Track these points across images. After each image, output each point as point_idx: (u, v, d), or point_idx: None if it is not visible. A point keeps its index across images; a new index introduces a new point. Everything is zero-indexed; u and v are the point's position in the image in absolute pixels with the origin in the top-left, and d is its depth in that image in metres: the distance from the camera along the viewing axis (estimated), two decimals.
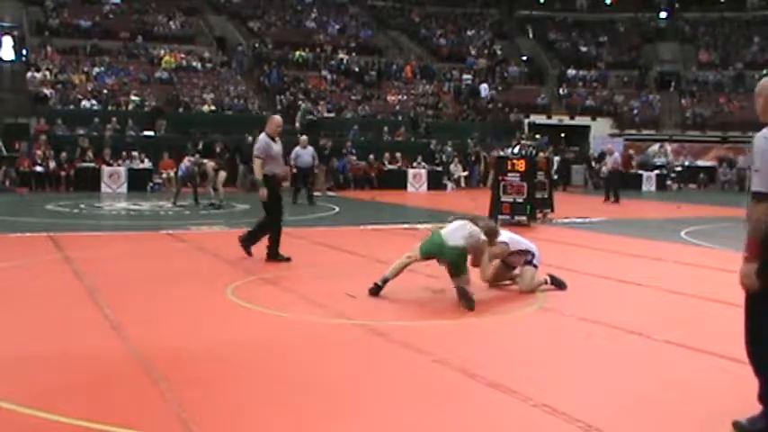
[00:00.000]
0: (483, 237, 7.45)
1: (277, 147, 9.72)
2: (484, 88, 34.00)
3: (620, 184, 22.49)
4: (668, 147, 32.97)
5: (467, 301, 6.97)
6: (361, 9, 39.48)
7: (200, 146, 22.73)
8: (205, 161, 18.13)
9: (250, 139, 24.65)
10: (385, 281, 7.42)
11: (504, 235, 7.95)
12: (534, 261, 7.86)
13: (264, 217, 9.81)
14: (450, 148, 25.47)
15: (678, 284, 8.36)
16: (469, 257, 7.40)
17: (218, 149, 22.88)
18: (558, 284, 7.92)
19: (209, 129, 25.51)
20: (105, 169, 22.79)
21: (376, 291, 7.39)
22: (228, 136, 25.26)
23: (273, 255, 9.57)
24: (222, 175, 17.75)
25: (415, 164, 27.20)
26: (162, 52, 30.57)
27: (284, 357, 5.44)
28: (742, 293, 4.01)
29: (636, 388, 4.78)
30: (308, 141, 24.30)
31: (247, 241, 9.78)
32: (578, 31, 41.68)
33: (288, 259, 9.54)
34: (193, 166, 17.78)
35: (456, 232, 7.32)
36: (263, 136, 9.79)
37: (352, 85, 32.19)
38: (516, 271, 8.00)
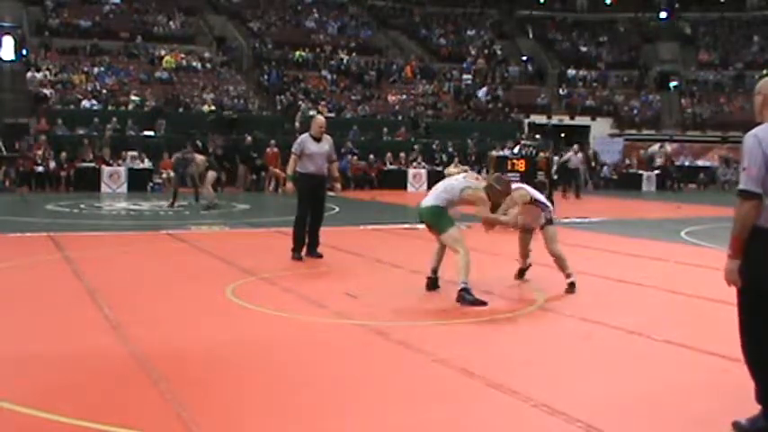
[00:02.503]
0: (470, 184, 7.34)
1: (316, 146, 9.77)
2: (483, 92, 33.96)
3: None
4: (668, 147, 32.99)
5: (462, 271, 7.07)
6: (361, 9, 39.47)
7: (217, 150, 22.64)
8: (196, 155, 17.85)
9: (249, 139, 24.68)
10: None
11: (525, 188, 8.05)
12: (551, 216, 7.94)
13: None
14: (577, 155, 24.64)
15: (678, 284, 8.36)
16: (481, 209, 7.31)
17: (210, 149, 22.87)
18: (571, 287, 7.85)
19: (209, 129, 25.51)
20: (105, 169, 22.79)
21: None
22: (228, 136, 25.26)
23: (292, 249, 9.81)
24: (211, 174, 17.38)
25: (414, 164, 27.22)
26: (162, 52, 30.57)
27: (284, 357, 5.43)
28: None
29: (636, 388, 4.77)
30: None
31: (310, 249, 9.93)
32: (578, 31, 41.70)
33: (300, 259, 9.70)
34: (182, 156, 17.41)
35: (431, 194, 7.52)
36: (304, 135, 10.02)
37: (352, 85, 32.18)
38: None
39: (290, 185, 10.26)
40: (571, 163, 23.74)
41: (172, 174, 18.28)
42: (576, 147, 25.12)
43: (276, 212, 16.90)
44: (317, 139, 9.83)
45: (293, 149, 9.97)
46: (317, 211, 10.00)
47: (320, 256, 9.82)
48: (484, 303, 6.98)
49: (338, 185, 10.74)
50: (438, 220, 7.37)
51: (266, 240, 12.03)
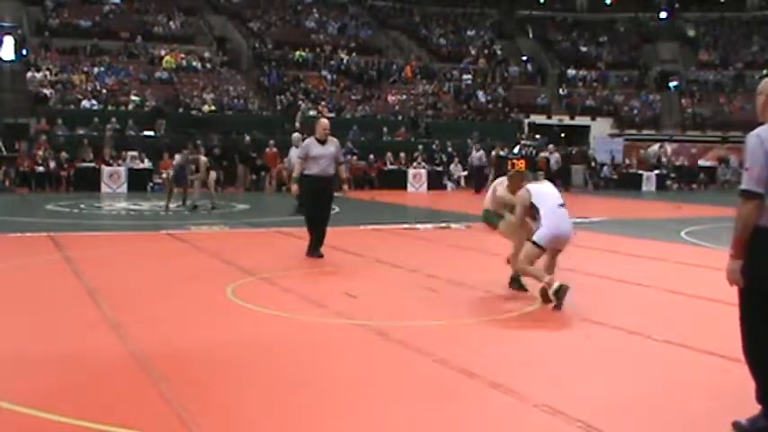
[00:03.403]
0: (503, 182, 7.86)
1: (321, 149, 9.84)
2: (481, 94, 34.01)
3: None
4: (668, 147, 33.02)
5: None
6: (361, 9, 39.46)
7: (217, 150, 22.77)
8: (200, 156, 17.78)
9: (248, 138, 24.65)
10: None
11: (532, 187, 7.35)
12: (539, 228, 7.05)
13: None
14: (478, 151, 25.77)
15: (678, 284, 8.35)
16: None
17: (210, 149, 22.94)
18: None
19: (209, 129, 25.50)
20: (105, 169, 22.80)
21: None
22: (228, 136, 25.25)
23: (308, 250, 9.95)
24: (213, 175, 17.42)
25: (415, 164, 27.22)
26: (162, 52, 30.57)
27: (284, 357, 5.43)
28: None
29: (636, 388, 4.77)
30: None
31: (313, 248, 10.05)
32: (578, 31, 41.68)
33: (320, 256, 9.84)
34: (187, 158, 17.32)
35: None
36: (309, 138, 10.13)
37: (352, 85, 32.19)
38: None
39: (294, 187, 10.38)
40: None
41: (171, 172, 18.09)
42: (551, 147, 25.26)
43: (276, 212, 16.89)
44: (322, 142, 9.90)
45: (298, 154, 10.13)
46: (324, 212, 10.06)
47: (321, 256, 9.84)
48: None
49: (346, 187, 10.82)
50: (489, 220, 7.88)
51: (266, 240, 12.03)
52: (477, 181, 24.93)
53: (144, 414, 4.19)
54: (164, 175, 22.42)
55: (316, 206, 9.98)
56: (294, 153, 16.52)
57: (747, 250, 3.86)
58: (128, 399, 4.44)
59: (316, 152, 9.81)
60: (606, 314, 6.82)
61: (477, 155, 25.59)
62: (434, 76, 34.71)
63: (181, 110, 27.54)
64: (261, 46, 33.01)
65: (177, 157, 17.76)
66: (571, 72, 37.75)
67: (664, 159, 31.90)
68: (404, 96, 32.40)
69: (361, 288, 7.67)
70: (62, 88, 26.85)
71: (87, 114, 25.49)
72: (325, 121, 10.25)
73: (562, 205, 7.19)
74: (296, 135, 17.25)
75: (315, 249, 9.94)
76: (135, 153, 23.59)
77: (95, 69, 28.51)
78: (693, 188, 30.42)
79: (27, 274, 8.54)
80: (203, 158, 17.62)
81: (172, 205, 16.94)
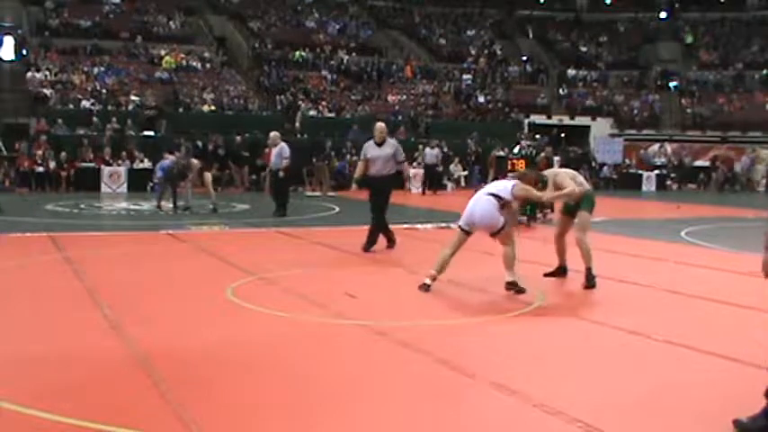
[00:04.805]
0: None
1: (377, 151, 10.57)
2: (481, 94, 34.01)
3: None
4: (668, 147, 32.99)
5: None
6: (361, 9, 39.46)
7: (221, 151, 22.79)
8: (192, 159, 17.64)
9: (239, 139, 24.60)
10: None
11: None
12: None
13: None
14: (433, 149, 25.72)
15: (678, 284, 8.35)
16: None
17: (210, 149, 22.89)
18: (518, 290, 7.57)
19: (209, 129, 25.46)
20: (105, 169, 22.79)
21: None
22: (228, 136, 25.22)
23: (365, 244, 10.56)
24: (208, 176, 17.30)
25: (415, 164, 27.19)
26: (162, 52, 30.57)
27: (284, 357, 5.43)
28: (742, 293, 4.03)
29: (636, 388, 4.77)
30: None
31: (366, 245, 10.63)
32: (578, 31, 41.69)
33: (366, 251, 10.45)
34: (179, 162, 17.16)
35: None
36: (369, 141, 10.80)
37: (352, 85, 32.18)
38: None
39: (354, 187, 11.27)
40: None
41: (160, 173, 17.83)
42: (523, 143, 25.26)
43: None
44: (379, 144, 10.55)
45: (362, 155, 10.85)
46: (374, 210, 10.68)
47: (367, 252, 10.43)
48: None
49: (408, 184, 11.29)
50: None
51: (266, 240, 12.02)
52: (430, 181, 24.97)
53: (144, 414, 4.19)
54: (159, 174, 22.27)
55: (374, 204, 10.72)
56: (274, 152, 16.31)
57: None
58: (128, 399, 4.44)
59: (372, 154, 10.54)
60: (606, 314, 6.82)
61: (432, 152, 25.43)
62: (434, 76, 34.70)
63: (181, 110, 27.51)
64: (261, 46, 32.99)
65: (170, 156, 17.71)
66: (571, 72, 37.75)
67: (661, 159, 31.87)
68: (404, 96, 32.38)
69: (361, 288, 7.67)
70: (62, 88, 26.83)
71: (87, 114, 25.46)
72: (381, 125, 10.85)
73: (491, 194, 7.65)
74: (273, 134, 16.76)
75: (366, 246, 10.57)
76: (135, 153, 23.58)
77: (95, 69, 28.48)
78: (737, 189, 29.05)
79: (27, 274, 8.54)
80: (195, 161, 17.50)
81: (169, 205, 16.83)
